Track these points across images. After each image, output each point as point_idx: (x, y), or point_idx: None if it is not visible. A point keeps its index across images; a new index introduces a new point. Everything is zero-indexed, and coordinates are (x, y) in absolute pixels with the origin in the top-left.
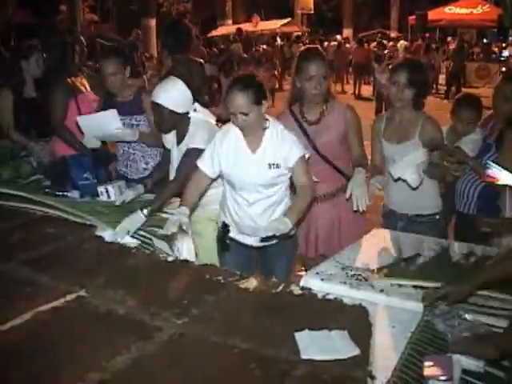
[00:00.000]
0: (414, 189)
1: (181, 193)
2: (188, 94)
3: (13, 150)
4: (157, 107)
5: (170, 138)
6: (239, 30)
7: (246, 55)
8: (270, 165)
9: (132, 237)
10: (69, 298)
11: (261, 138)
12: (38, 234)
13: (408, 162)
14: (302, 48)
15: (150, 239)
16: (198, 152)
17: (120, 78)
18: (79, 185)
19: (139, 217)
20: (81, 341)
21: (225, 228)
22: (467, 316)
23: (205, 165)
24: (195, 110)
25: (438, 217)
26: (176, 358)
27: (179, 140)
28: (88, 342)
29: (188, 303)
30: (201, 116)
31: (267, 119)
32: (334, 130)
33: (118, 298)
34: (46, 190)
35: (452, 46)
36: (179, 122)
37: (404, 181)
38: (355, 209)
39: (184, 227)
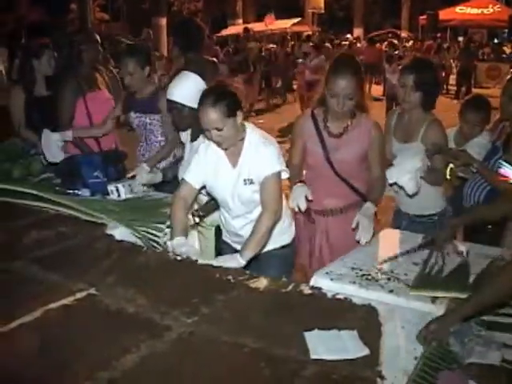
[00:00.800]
0: (411, 196)
1: None
2: (202, 86)
3: (23, 148)
4: (173, 104)
5: (184, 134)
6: (246, 29)
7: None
8: (244, 180)
9: (141, 235)
10: (79, 296)
11: (239, 151)
12: (49, 232)
13: (404, 168)
14: (338, 54)
15: (160, 238)
16: None
17: (138, 77)
18: (89, 183)
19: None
20: (90, 339)
21: (218, 231)
22: (480, 332)
23: (191, 176)
24: None
25: (436, 217)
26: (185, 356)
27: (194, 137)
28: (98, 340)
29: (198, 302)
30: None
31: (244, 129)
32: (354, 148)
33: (128, 296)
34: (57, 188)
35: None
36: (197, 118)
37: (401, 187)
38: (357, 239)
39: (194, 257)
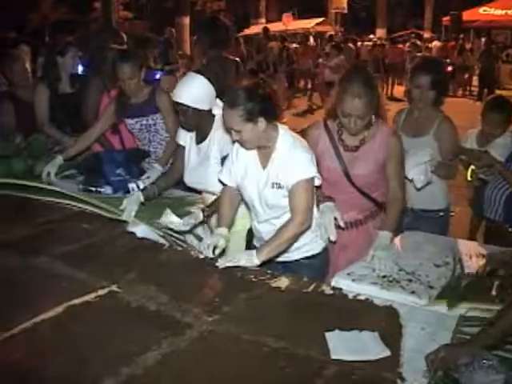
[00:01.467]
0: (419, 189)
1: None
2: (209, 88)
3: (47, 145)
4: (179, 106)
5: (184, 136)
6: (266, 29)
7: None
8: (273, 184)
9: (164, 233)
10: (101, 292)
11: (270, 153)
12: (72, 229)
13: (413, 162)
14: (349, 68)
15: (182, 235)
16: None
17: (137, 82)
18: (112, 181)
19: (200, 216)
20: (112, 335)
21: (249, 235)
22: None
23: (226, 177)
24: (218, 107)
25: (441, 214)
26: (206, 354)
27: (200, 139)
28: (119, 336)
29: (219, 301)
30: None
31: (276, 131)
32: (372, 160)
33: (149, 293)
34: (80, 185)
35: None
36: (203, 120)
37: (411, 180)
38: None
39: (217, 251)
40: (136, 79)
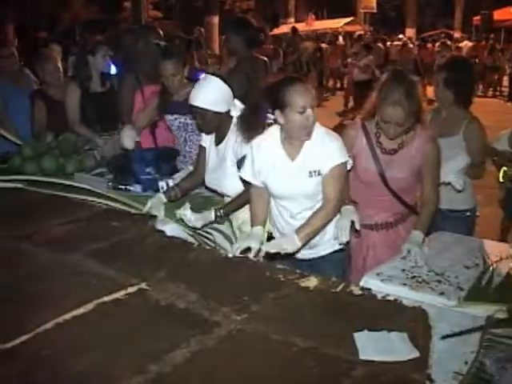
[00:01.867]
0: (460, 191)
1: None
2: (226, 90)
3: (77, 143)
4: (196, 109)
5: (205, 137)
6: (294, 29)
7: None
8: (310, 172)
9: (193, 232)
10: (130, 290)
11: (300, 144)
12: (102, 226)
13: (452, 167)
14: (389, 73)
15: (211, 234)
16: None
17: (179, 79)
18: (141, 179)
19: (211, 216)
20: (141, 333)
21: (270, 238)
22: None
23: (250, 176)
24: (236, 107)
25: (468, 213)
26: (234, 353)
27: (219, 140)
28: (148, 334)
29: (248, 300)
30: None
31: None
32: (408, 164)
33: (178, 292)
34: (109, 183)
35: None
36: (221, 122)
37: (447, 183)
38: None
39: (251, 254)
40: (179, 76)
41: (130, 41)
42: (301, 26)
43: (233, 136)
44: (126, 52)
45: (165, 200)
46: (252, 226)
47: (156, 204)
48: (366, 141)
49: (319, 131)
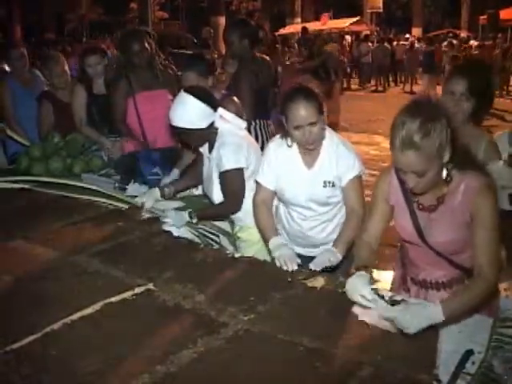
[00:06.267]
0: None
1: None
2: (202, 107)
3: (84, 145)
4: (178, 130)
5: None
6: (304, 28)
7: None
8: (325, 182)
9: (198, 233)
10: (137, 290)
11: (317, 153)
12: (109, 227)
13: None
14: (405, 105)
15: (217, 236)
16: (232, 172)
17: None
18: (148, 180)
19: (184, 217)
20: (148, 333)
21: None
22: None
23: (266, 179)
24: (221, 117)
25: None
26: (241, 353)
27: (211, 148)
28: (155, 334)
29: (255, 300)
30: (228, 127)
31: (324, 128)
32: (452, 225)
33: (185, 292)
34: (116, 184)
35: None
36: (207, 136)
37: None
38: None
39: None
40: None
41: (123, 45)
42: (313, 25)
43: (215, 148)
44: (118, 58)
45: (159, 196)
46: (269, 238)
47: (149, 197)
48: (401, 191)
49: (334, 141)
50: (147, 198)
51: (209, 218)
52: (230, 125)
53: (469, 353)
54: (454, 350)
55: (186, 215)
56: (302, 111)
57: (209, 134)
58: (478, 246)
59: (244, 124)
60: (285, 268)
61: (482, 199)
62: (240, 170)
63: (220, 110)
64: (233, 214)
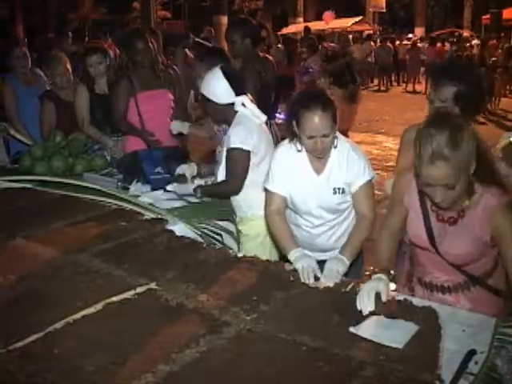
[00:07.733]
0: None
1: None
2: (224, 84)
3: (86, 144)
4: (203, 98)
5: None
6: (307, 28)
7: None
8: (334, 189)
9: (201, 232)
10: (140, 290)
11: (327, 159)
12: (111, 226)
13: None
14: (427, 119)
15: (220, 235)
16: (238, 152)
17: None
18: (150, 179)
19: (189, 188)
20: (150, 332)
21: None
22: None
23: (276, 185)
24: (243, 105)
25: None
26: (244, 353)
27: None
28: (158, 334)
29: (257, 299)
30: (247, 113)
31: (336, 136)
32: (468, 240)
33: (188, 291)
34: (119, 183)
35: None
36: (226, 114)
37: None
38: None
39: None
40: None
41: (124, 44)
42: (316, 25)
43: (231, 128)
44: (121, 56)
45: (195, 172)
46: (289, 249)
47: (186, 169)
48: (418, 198)
49: (344, 147)
50: (186, 170)
51: (211, 195)
52: (250, 112)
53: (472, 352)
54: (456, 350)
55: (191, 187)
56: (318, 122)
57: (225, 112)
58: (507, 257)
59: (264, 117)
60: (307, 282)
61: (501, 219)
62: (246, 153)
63: (244, 97)
64: (231, 195)
